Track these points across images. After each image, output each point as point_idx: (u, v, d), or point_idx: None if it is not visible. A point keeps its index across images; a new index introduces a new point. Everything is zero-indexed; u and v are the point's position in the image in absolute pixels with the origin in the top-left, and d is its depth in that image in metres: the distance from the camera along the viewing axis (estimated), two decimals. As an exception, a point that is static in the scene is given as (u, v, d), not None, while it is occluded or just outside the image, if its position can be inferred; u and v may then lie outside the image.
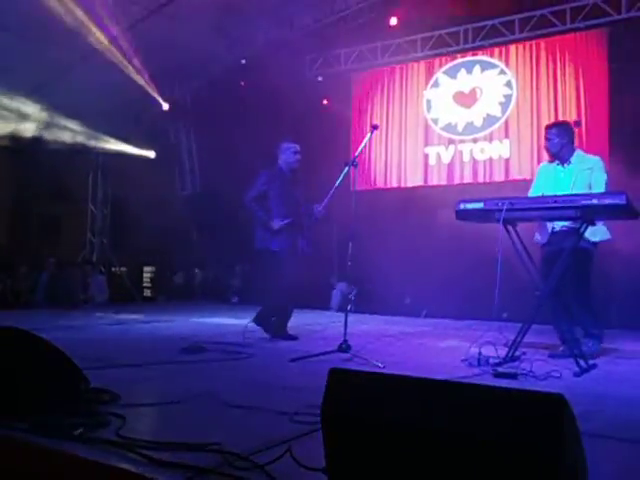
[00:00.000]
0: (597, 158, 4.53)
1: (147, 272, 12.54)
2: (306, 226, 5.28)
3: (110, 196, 12.00)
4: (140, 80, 9.83)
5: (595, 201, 3.61)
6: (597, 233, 4.27)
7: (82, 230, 11.88)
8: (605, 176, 4.33)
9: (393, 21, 9.25)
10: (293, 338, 5.20)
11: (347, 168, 4.55)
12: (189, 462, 1.68)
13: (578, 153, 4.52)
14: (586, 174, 4.34)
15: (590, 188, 4.28)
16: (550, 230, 4.47)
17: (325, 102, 9.89)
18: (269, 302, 5.30)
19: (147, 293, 11.99)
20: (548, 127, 4.70)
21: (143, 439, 1.89)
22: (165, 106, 11.02)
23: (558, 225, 4.40)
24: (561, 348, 4.42)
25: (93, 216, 11.96)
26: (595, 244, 4.37)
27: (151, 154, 11.42)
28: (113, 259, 11.85)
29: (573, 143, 4.58)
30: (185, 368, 3.59)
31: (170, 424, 2.29)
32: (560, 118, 7.59)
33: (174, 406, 2.50)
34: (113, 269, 11.85)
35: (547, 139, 4.57)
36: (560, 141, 4.47)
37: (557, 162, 4.54)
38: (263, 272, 5.37)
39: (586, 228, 3.86)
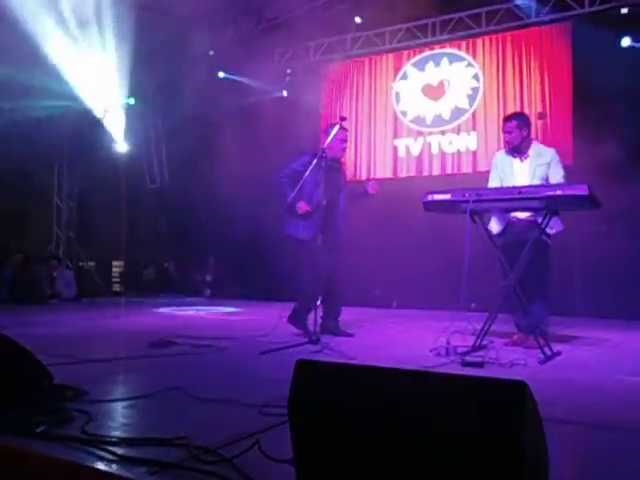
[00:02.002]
0: (553, 151, 4.51)
1: (116, 266, 12.32)
2: (339, 218, 4.97)
3: (76, 189, 11.75)
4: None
5: (559, 192, 3.68)
6: (553, 226, 4.23)
7: (48, 224, 11.63)
8: (562, 171, 4.34)
9: (358, 20, 9.28)
10: (348, 334, 4.95)
11: (315, 159, 4.54)
12: (154, 457, 1.66)
13: (535, 145, 4.52)
14: (543, 168, 4.36)
15: (547, 182, 4.30)
16: (506, 220, 4.45)
17: (285, 94, 9.86)
18: (301, 298, 5.01)
19: (116, 288, 11.79)
20: (507, 119, 4.55)
21: (109, 435, 1.87)
22: (131, 100, 10.84)
23: (517, 216, 4.38)
24: (515, 336, 4.50)
25: (59, 210, 11.72)
26: (551, 236, 4.36)
27: (123, 147, 11.17)
28: (81, 253, 11.64)
29: (530, 135, 4.55)
30: (153, 362, 3.55)
31: (137, 419, 2.27)
32: (526, 110, 7.67)
33: (141, 401, 2.47)
34: (81, 264, 11.64)
35: (508, 132, 4.45)
36: (521, 133, 4.42)
37: (515, 155, 4.50)
38: (293, 262, 5.04)
39: (550, 219, 3.92)
